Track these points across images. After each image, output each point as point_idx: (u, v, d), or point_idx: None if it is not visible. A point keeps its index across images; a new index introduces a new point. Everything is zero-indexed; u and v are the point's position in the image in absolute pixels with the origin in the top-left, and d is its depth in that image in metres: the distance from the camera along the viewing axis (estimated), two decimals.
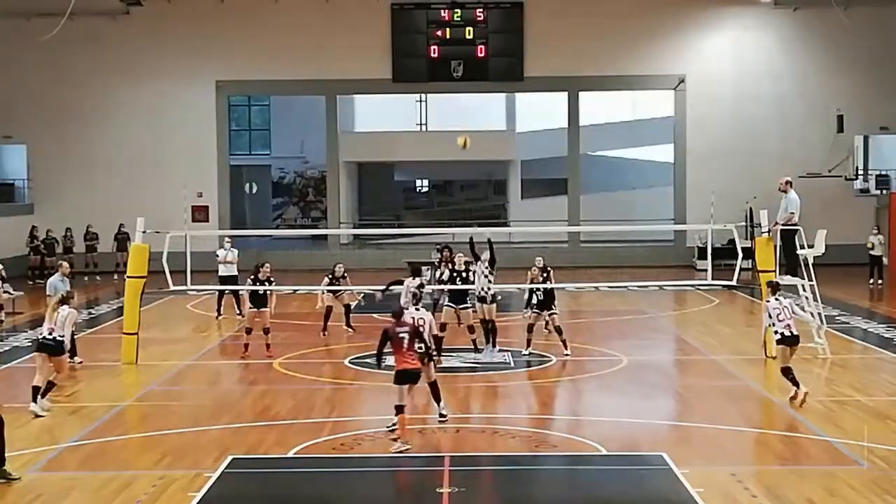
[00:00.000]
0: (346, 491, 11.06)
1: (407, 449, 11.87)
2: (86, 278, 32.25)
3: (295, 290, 24.77)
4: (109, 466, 11.67)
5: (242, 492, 11.00)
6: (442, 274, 18.97)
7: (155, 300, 24.80)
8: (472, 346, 17.93)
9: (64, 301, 14.68)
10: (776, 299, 14.40)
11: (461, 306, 17.91)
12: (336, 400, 14.95)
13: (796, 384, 14.09)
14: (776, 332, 14.32)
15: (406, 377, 12.17)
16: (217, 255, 23.28)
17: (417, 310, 13.53)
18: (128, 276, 18.27)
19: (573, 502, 10.73)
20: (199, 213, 34.57)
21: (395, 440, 12.01)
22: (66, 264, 18.73)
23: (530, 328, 18.13)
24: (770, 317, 14.36)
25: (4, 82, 34.92)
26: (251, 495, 10.96)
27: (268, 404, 14.62)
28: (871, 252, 28.55)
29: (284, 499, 10.83)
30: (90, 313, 24.86)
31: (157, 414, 14.37)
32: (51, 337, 14.19)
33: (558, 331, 17.97)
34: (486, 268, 17.83)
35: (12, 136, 35.69)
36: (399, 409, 12.01)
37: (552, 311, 18.14)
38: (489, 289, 17.82)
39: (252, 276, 18.81)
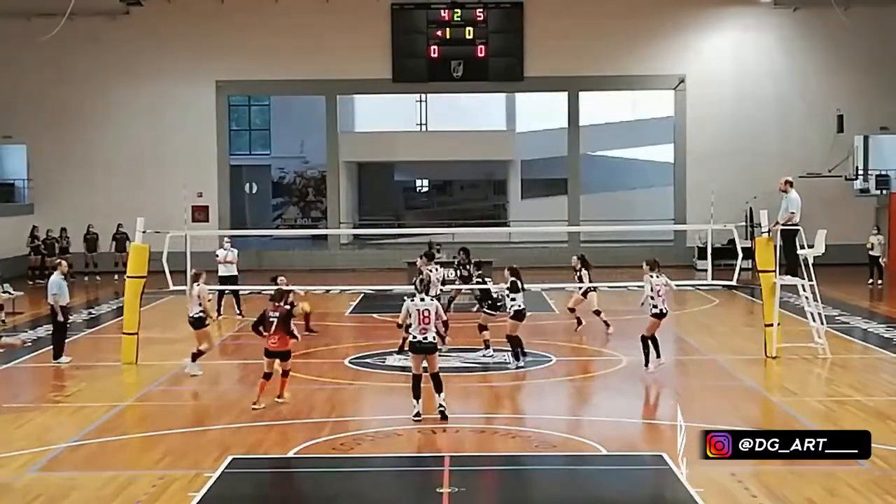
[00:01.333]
0: (346, 491, 11.06)
1: (260, 408, 13.97)
2: (86, 278, 32.26)
3: (292, 291, 24.68)
4: (109, 466, 11.67)
5: (242, 492, 11.00)
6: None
7: (155, 300, 24.77)
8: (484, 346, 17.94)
9: (196, 278, 16.47)
10: (657, 276, 16.20)
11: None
12: (336, 400, 14.94)
13: (659, 354, 16.19)
14: (653, 307, 16.07)
15: (271, 355, 14.34)
16: (217, 255, 23.24)
17: (423, 300, 13.58)
18: (128, 276, 18.26)
19: (573, 502, 10.73)
20: (199, 213, 34.57)
21: (255, 403, 14.08)
22: (64, 263, 18.73)
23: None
24: (652, 290, 16.07)
25: (4, 82, 34.93)
26: (251, 495, 10.96)
27: (268, 404, 14.60)
28: (871, 252, 28.58)
29: (284, 499, 10.84)
30: (90, 313, 24.86)
31: (157, 414, 14.37)
32: (192, 315, 16.47)
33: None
34: (507, 293, 17.23)
35: (12, 136, 35.68)
36: (266, 377, 14.27)
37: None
38: (511, 306, 17.18)
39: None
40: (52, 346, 18.01)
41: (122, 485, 10.85)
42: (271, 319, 14.28)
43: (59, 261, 19.16)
